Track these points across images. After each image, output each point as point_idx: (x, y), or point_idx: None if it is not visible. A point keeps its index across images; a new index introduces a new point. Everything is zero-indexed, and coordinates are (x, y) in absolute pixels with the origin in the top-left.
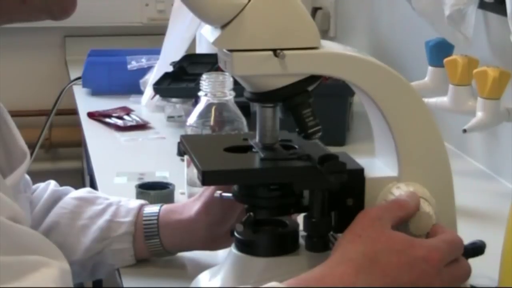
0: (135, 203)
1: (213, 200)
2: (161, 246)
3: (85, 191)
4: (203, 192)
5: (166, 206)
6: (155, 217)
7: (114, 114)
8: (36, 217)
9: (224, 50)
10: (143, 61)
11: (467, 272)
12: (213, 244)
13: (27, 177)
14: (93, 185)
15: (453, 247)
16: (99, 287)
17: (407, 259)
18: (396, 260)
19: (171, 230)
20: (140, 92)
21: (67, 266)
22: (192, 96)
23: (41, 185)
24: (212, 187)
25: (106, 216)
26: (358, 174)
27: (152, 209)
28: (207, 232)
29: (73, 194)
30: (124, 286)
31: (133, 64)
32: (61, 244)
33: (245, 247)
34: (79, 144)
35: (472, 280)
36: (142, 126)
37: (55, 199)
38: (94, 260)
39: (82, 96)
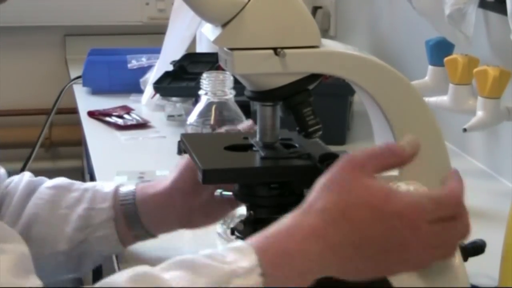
0: (110, 186)
1: (188, 169)
2: (142, 227)
3: (59, 179)
4: (178, 164)
5: (141, 184)
6: (132, 196)
7: (114, 113)
8: (14, 210)
9: (225, 49)
10: (143, 60)
11: (463, 232)
12: (189, 218)
13: (2, 170)
14: None
15: (441, 204)
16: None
17: (379, 215)
18: (369, 215)
19: (148, 206)
20: (140, 91)
21: (24, 249)
22: (192, 95)
23: (16, 177)
24: (186, 159)
25: (84, 204)
26: None
27: (127, 188)
28: (183, 202)
29: (48, 183)
30: None
31: (133, 63)
32: (44, 236)
33: None
34: (79, 143)
35: (472, 280)
36: (142, 125)
37: (31, 190)
38: (80, 249)
39: (82, 95)
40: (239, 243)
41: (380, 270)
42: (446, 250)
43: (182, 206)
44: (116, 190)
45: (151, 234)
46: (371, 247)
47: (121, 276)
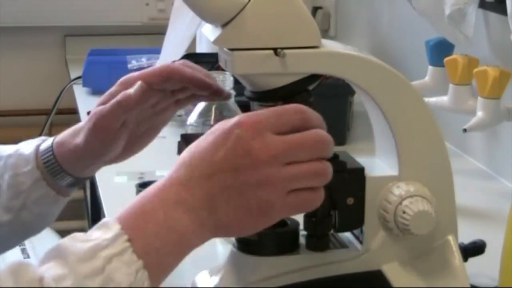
0: (30, 147)
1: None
2: (69, 175)
3: None
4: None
5: (59, 136)
6: (50, 150)
7: None
8: None
9: (225, 49)
10: (143, 61)
11: (317, 145)
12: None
13: None
14: (93, 184)
15: (280, 113)
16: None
17: (221, 136)
18: (211, 144)
19: (67, 156)
20: None
21: None
22: None
23: None
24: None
25: (9, 172)
26: (359, 173)
27: (46, 144)
28: (102, 152)
29: None
30: None
31: (133, 64)
32: None
33: (245, 246)
34: None
35: (472, 280)
36: None
37: None
38: (22, 216)
39: (82, 96)
40: (103, 220)
41: (248, 201)
42: (302, 167)
43: (101, 154)
44: (37, 149)
45: (82, 178)
46: (224, 171)
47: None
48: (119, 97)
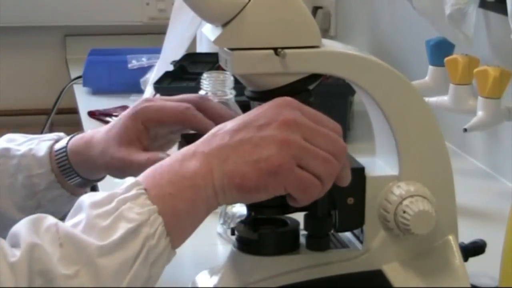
0: (44, 148)
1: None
2: (79, 177)
3: None
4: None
5: (75, 137)
6: (64, 152)
7: (114, 113)
8: None
9: (225, 49)
10: (144, 60)
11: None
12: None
13: None
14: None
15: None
16: None
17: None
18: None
19: (78, 158)
20: (140, 91)
21: None
22: None
23: None
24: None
25: (24, 172)
26: (359, 173)
27: (60, 144)
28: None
29: None
30: None
31: (133, 63)
32: None
33: (246, 246)
34: None
35: (472, 280)
36: None
37: None
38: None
39: (83, 95)
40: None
41: (260, 155)
42: (317, 149)
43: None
44: (51, 151)
45: (94, 180)
46: (248, 126)
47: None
48: (150, 155)
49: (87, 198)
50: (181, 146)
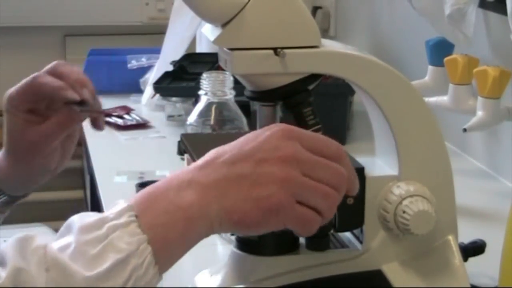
0: None
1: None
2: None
3: None
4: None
5: None
6: None
7: (114, 113)
8: None
9: (225, 49)
10: (143, 60)
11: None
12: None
13: None
14: (93, 184)
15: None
16: None
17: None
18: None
19: None
20: (140, 91)
21: None
22: (192, 95)
23: None
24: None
25: None
26: (359, 173)
27: None
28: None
29: None
30: None
31: (133, 63)
32: None
33: (246, 246)
34: (79, 143)
35: (472, 280)
36: (142, 125)
37: None
38: None
39: None
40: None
41: (259, 193)
42: (317, 184)
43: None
44: None
45: (17, 196)
46: (246, 160)
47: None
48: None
49: (77, 219)
50: (180, 146)
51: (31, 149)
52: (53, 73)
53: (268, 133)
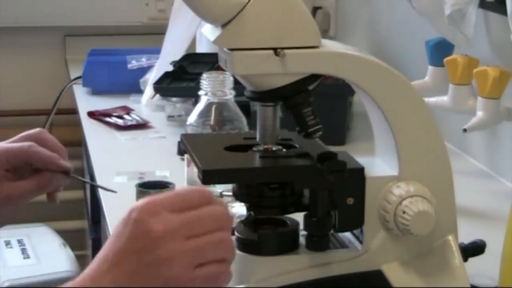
0: None
1: None
2: None
3: None
4: None
5: None
6: None
7: (114, 114)
8: None
9: (225, 49)
10: (143, 61)
11: (217, 219)
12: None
13: None
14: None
15: (180, 194)
16: None
17: (123, 223)
18: (115, 232)
19: None
20: (140, 91)
21: None
22: (192, 95)
23: None
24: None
25: None
26: (359, 173)
27: None
28: None
29: None
30: None
31: (133, 64)
32: None
33: (246, 246)
34: (79, 143)
35: (472, 280)
36: (142, 126)
37: None
38: None
39: (82, 96)
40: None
41: (155, 282)
42: (202, 239)
43: None
44: None
45: None
46: (128, 256)
47: None
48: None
49: None
50: (180, 146)
51: (4, 202)
52: (39, 142)
53: (131, 222)
